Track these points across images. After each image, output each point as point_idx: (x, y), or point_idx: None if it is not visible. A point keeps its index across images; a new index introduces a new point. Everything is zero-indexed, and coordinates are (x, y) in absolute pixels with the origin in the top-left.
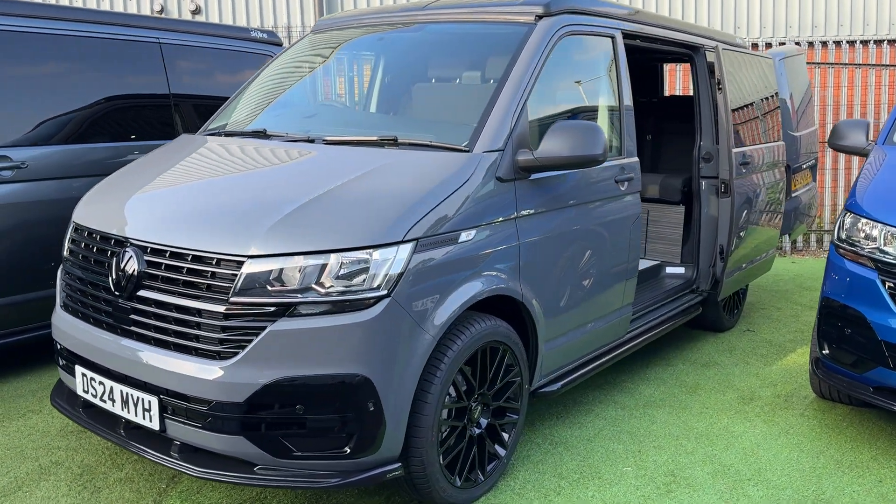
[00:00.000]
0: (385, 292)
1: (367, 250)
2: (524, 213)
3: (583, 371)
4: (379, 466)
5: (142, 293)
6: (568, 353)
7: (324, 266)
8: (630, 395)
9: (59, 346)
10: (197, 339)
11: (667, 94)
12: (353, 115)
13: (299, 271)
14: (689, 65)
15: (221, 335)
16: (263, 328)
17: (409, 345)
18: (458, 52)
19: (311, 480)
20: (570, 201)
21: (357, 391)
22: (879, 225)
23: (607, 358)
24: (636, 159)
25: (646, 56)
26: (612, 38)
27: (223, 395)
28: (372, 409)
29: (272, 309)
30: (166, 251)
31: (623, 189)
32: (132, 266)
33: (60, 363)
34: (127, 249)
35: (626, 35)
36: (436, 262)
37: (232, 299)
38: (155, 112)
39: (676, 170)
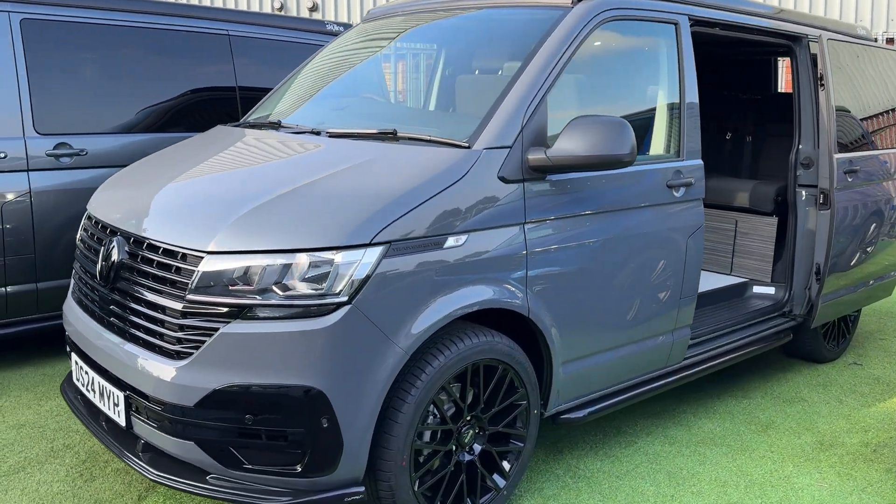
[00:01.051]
0: (345, 299)
1: (330, 252)
2: (535, 218)
3: (618, 399)
4: (338, 488)
5: (119, 284)
6: (597, 377)
7: (285, 266)
8: (685, 429)
9: (66, 334)
10: (161, 336)
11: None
12: (379, 107)
13: (258, 271)
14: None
15: (179, 334)
16: (217, 329)
17: (372, 358)
18: (488, 41)
19: (261, 497)
20: (601, 207)
21: (309, 405)
22: None
23: (652, 386)
24: (698, 162)
25: (750, 47)
26: (676, 24)
27: (175, 398)
28: (326, 425)
29: (225, 310)
30: (144, 242)
31: (678, 195)
32: (114, 256)
33: (67, 350)
34: (113, 239)
35: (698, 22)
36: (413, 268)
37: (188, 297)
38: (219, 103)
39: (772, 176)
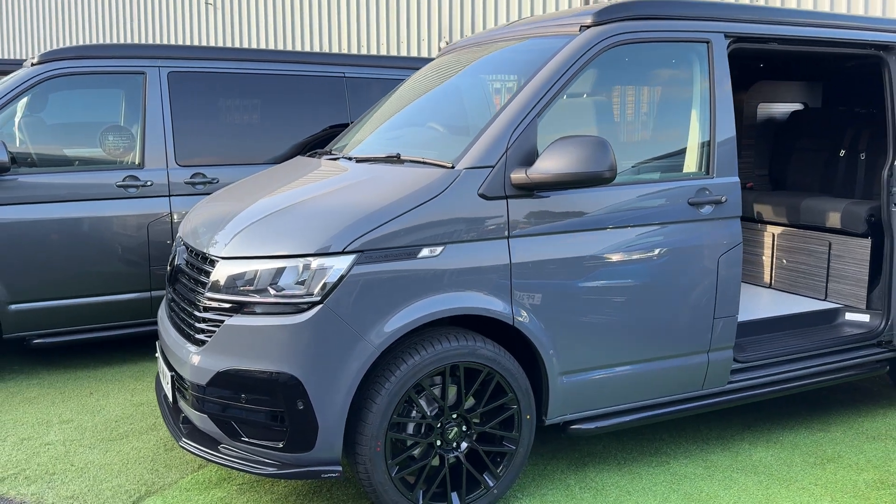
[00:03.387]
0: (318, 298)
1: (309, 258)
2: (521, 233)
3: (636, 417)
4: (316, 465)
5: (177, 286)
6: (611, 391)
7: (279, 270)
8: (731, 456)
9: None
10: (192, 327)
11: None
12: (431, 133)
13: (255, 273)
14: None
15: (202, 325)
16: (223, 322)
17: (344, 351)
18: (513, 68)
19: (253, 466)
20: (596, 224)
21: (286, 389)
22: None
23: (681, 408)
24: (732, 180)
25: (834, 60)
26: (708, 42)
27: (195, 377)
28: (301, 408)
29: (229, 305)
30: (194, 250)
31: (704, 213)
32: (176, 262)
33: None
34: (180, 247)
35: (741, 38)
36: (385, 274)
37: (207, 294)
38: (333, 138)
39: (868, 195)
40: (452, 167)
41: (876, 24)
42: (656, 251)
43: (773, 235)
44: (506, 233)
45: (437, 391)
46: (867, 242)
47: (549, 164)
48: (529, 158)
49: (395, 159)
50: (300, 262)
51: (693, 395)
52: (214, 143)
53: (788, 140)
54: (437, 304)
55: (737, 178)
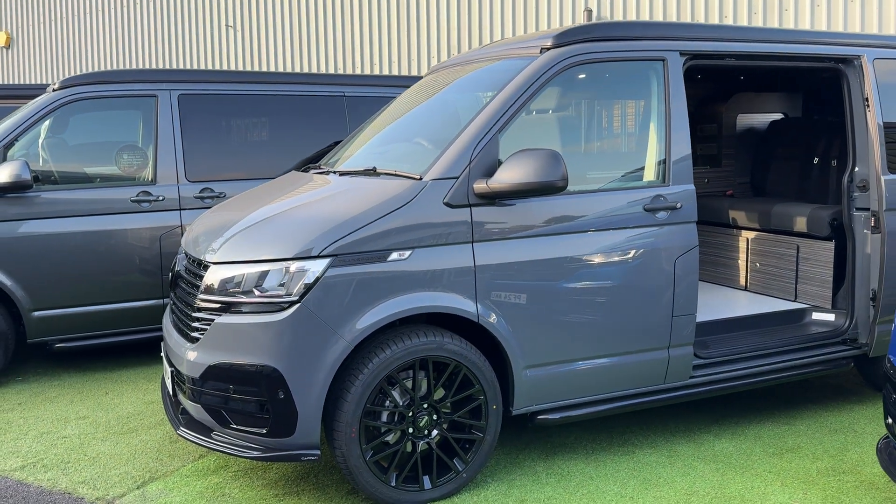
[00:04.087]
0: (296, 298)
1: (288, 262)
2: (484, 238)
3: (600, 408)
4: (296, 449)
5: (177, 290)
6: (575, 384)
7: (262, 273)
8: (695, 446)
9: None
10: (188, 327)
11: None
12: (415, 148)
13: (242, 276)
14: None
15: (196, 324)
16: (213, 320)
17: (319, 346)
18: (484, 88)
19: (241, 450)
20: (560, 229)
21: (269, 380)
22: None
23: (644, 400)
24: (688, 187)
25: (795, 73)
26: (664, 60)
27: (190, 371)
28: (282, 397)
29: (219, 305)
30: (191, 257)
31: (660, 218)
32: (177, 268)
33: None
34: (180, 255)
35: (698, 55)
36: (357, 276)
37: (200, 296)
38: None
39: (838, 200)
40: (420, 179)
41: (834, 39)
42: (613, 254)
43: (748, 240)
44: (470, 238)
45: (408, 383)
46: (831, 245)
47: (507, 175)
48: (491, 170)
49: (371, 172)
50: (281, 266)
51: (656, 388)
52: (222, 160)
53: (768, 149)
54: (405, 304)
55: (692, 186)
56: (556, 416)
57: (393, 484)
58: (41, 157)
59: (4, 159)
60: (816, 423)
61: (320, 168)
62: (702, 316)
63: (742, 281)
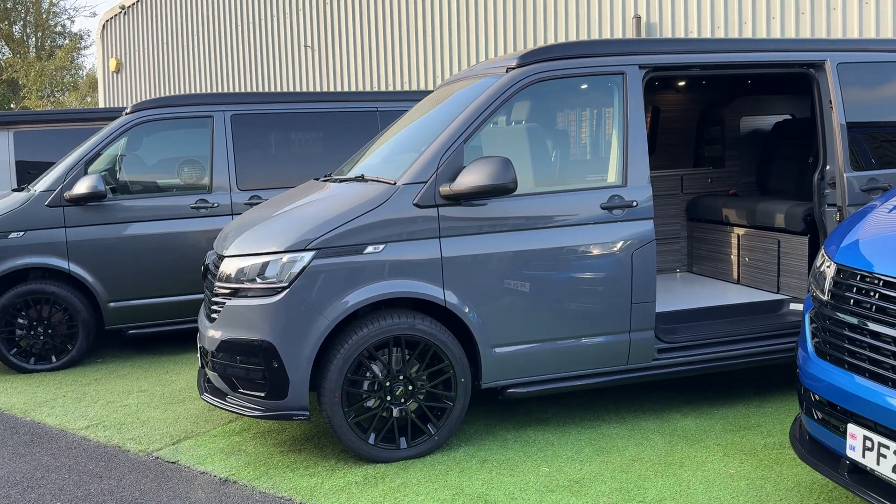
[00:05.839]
0: (286, 284)
1: (282, 254)
2: (450, 234)
3: (565, 384)
4: (289, 410)
5: (206, 282)
6: (540, 362)
7: (263, 263)
8: (659, 423)
9: None
10: (210, 310)
11: None
12: (392, 158)
13: (248, 266)
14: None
15: (214, 307)
16: (225, 304)
17: (306, 324)
18: (466, 102)
19: (247, 410)
20: (513, 225)
21: (265, 352)
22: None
23: (607, 379)
24: (644, 187)
25: (770, 78)
26: (623, 74)
27: (209, 345)
28: (276, 366)
29: (229, 291)
30: (217, 253)
31: (616, 215)
32: (206, 262)
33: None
34: (210, 252)
35: (659, 68)
36: (337, 266)
37: (217, 284)
38: None
39: (808, 196)
40: (395, 183)
41: (803, 46)
42: (571, 247)
43: (738, 236)
44: (437, 234)
45: (386, 358)
46: (805, 240)
47: (466, 179)
48: (456, 175)
49: (360, 179)
50: (277, 258)
51: (620, 368)
52: (268, 171)
53: (771, 149)
54: (378, 290)
55: (648, 186)
56: (523, 390)
57: (371, 442)
58: (116, 170)
59: (86, 173)
60: (786, 405)
61: (329, 176)
62: (681, 304)
63: (735, 275)
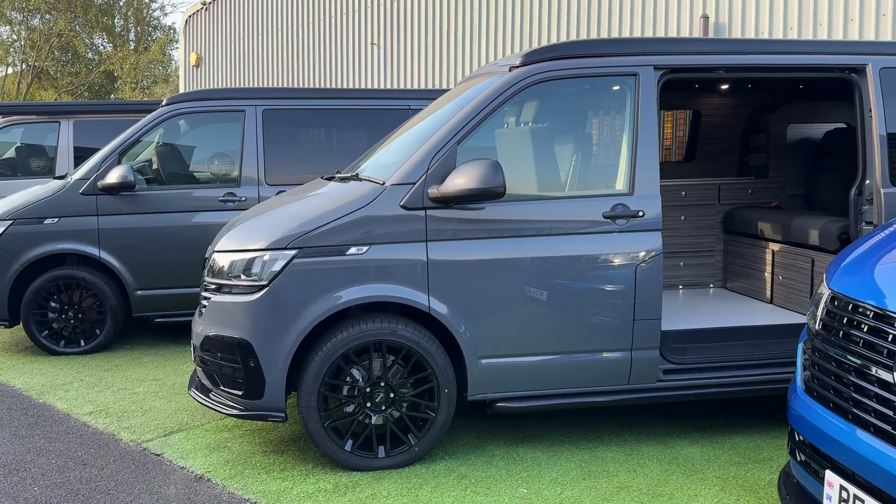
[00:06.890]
0: (266, 283)
1: (263, 252)
2: (437, 237)
3: (559, 401)
4: (265, 410)
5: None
6: (532, 377)
7: (248, 260)
8: (660, 449)
9: None
10: (200, 304)
11: None
12: (394, 156)
13: (232, 263)
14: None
15: (203, 301)
16: (210, 299)
17: (284, 324)
18: (461, 105)
19: (226, 408)
20: (514, 232)
21: (242, 350)
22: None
23: (602, 399)
24: (652, 196)
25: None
26: (636, 75)
27: (195, 340)
28: (253, 365)
29: (215, 286)
30: (210, 249)
31: (619, 225)
32: (206, 255)
33: None
34: (209, 248)
35: (677, 69)
36: (319, 266)
37: (205, 279)
38: None
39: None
40: (383, 184)
41: (842, 48)
42: (567, 257)
43: (773, 252)
44: (424, 237)
45: (367, 363)
46: None
47: (455, 182)
48: (444, 177)
49: (354, 177)
50: (258, 255)
51: (620, 388)
52: (297, 167)
53: (820, 160)
54: (359, 293)
55: (657, 195)
56: (513, 405)
57: (349, 449)
58: (149, 161)
59: (119, 163)
60: None
61: (333, 175)
62: (700, 323)
63: (768, 294)
